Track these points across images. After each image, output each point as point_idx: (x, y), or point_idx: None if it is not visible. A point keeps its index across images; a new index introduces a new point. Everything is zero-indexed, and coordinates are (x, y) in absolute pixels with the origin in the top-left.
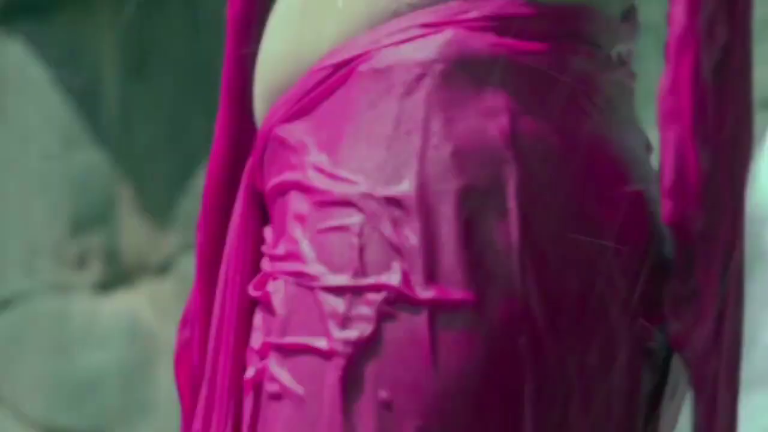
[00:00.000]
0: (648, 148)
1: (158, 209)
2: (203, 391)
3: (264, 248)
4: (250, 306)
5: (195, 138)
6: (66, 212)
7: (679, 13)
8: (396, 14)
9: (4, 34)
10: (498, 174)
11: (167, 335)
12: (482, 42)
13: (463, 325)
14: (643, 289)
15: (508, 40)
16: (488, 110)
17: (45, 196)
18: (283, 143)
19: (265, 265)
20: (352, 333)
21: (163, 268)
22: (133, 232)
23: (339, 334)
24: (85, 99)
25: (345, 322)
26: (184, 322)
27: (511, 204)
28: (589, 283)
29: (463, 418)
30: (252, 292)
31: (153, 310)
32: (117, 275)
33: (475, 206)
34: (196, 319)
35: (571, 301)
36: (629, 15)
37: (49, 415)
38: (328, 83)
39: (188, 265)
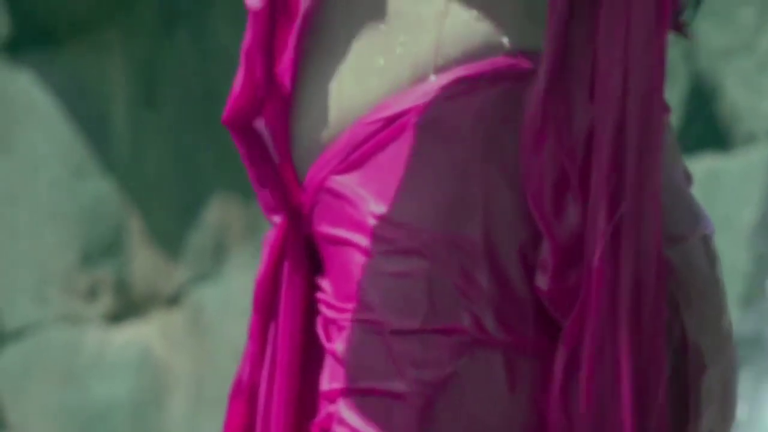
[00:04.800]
0: (688, 178)
1: (168, 240)
2: None
3: (323, 296)
4: (302, 355)
5: (204, 168)
6: (76, 243)
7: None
8: (440, 69)
9: (13, 64)
10: None
11: (178, 366)
12: (531, 93)
13: (539, 367)
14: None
15: None
16: None
17: (55, 227)
18: (336, 194)
19: (327, 313)
20: (427, 374)
21: (173, 299)
22: (144, 262)
23: (414, 375)
24: (94, 129)
25: (419, 364)
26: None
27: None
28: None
29: None
30: (325, 343)
31: (163, 340)
32: (127, 306)
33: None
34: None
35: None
36: None
37: None
38: (380, 136)
39: (198, 296)
